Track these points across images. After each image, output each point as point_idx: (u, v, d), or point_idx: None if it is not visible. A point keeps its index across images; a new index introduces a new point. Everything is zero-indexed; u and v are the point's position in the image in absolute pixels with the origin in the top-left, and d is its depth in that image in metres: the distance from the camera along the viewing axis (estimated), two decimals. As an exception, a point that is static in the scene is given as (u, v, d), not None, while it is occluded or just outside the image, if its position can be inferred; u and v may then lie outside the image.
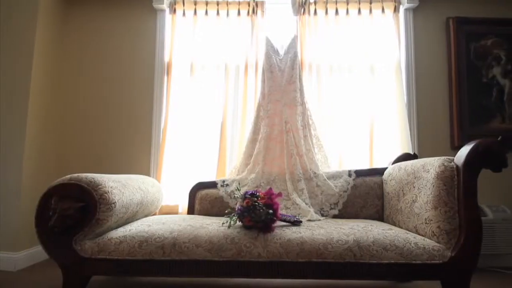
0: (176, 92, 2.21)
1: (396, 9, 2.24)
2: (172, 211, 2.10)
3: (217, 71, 2.23)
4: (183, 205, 2.08)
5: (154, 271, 1.19)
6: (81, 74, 2.30)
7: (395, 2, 2.25)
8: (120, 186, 1.30)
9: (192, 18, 2.25)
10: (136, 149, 2.23)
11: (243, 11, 2.25)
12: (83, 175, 1.22)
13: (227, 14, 2.25)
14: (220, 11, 2.25)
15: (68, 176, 1.21)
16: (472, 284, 1.17)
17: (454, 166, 1.22)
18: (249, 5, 2.24)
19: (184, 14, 2.26)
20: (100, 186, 1.19)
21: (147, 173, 2.19)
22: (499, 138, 1.18)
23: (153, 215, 1.86)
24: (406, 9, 2.30)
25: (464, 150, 1.21)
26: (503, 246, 1.99)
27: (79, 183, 1.18)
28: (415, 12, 2.32)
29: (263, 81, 2.02)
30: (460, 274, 1.15)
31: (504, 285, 1.72)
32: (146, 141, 2.23)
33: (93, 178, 1.20)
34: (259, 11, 2.24)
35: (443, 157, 1.28)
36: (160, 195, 1.79)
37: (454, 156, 1.27)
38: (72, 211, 1.14)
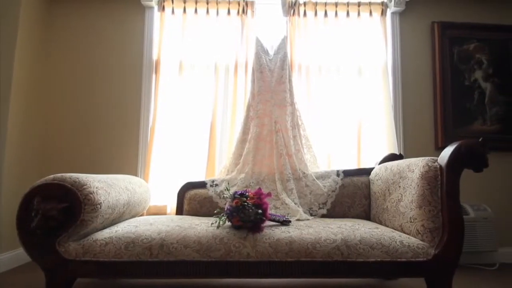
0: (164, 91, 2.18)
1: (383, 13, 2.29)
2: (160, 211, 2.08)
3: (207, 71, 2.22)
4: (172, 205, 2.05)
5: (141, 273, 1.17)
6: (66, 71, 2.24)
7: (382, 5, 2.30)
8: (106, 186, 1.27)
9: (181, 16, 2.23)
10: (123, 149, 2.19)
11: (233, 11, 2.24)
12: (67, 175, 1.18)
13: (217, 13, 2.24)
14: (210, 10, 2.24)
15: (51, 176, 1.18)
16: (454, 280, 1.20)
17: (438, 166, 1.26)
18: (239, 5, 2.23)
19: (173, 12, 2.23)
20: (85, 187, 1.16)
21: (135, 173, 2.15)
22: (480, 139, 1.22)
23: (141, 215, 1.83)
24: (393, 13, 2.35)
25: (447, 151, 1.24)
26: (484, 243, 2.07)
27: (62, 183, 1.15)
28: (402, 16, 2.37)
29: (253, 81, 2.02)
30: (443, 271, 1.18)
31: (484, 281, 1.78)
32: (134, 141, 2.19)
33: (77, 178, 1.17)
34: (249, 11, 2.24)
35: (427, 158, 1.31)
36: (147, 195, 1.76)
37: (438, 156, 1.31)
38: (55, 212, 1.11)
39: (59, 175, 1.18)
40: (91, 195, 1.15)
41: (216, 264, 1.17)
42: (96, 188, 1.20)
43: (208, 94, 2.19)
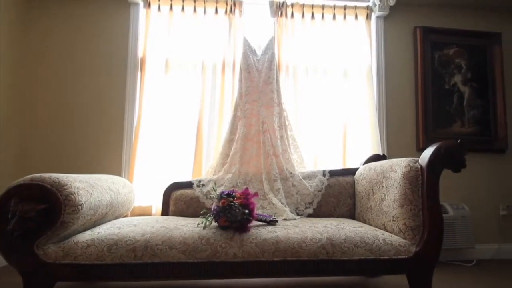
0: (150, 89, 2.14)
1: (368, 17, 2.34)
2: (145, 212, 2.03)
3: (194, 70, 2.19)
4: (157, 206, 2.02)
5: (125, 275, 1.14)
6: (48, 68, 2.15)
7: (367, 9, 2.35)
8: (88, 187, 1.23)
9: (167, 13, 2.20)
10: (106, 148, 2.13)
11: (221, 10, 2.23)
12: (47, 175, 1.14)
13: (205, 12, 2.22)
14: (197, 8, 2.22)
15: (29, 176, 1.13)
16: (434, 276, 1.25)
17: (419, 167, 1.30)
18: (226, 4, 2.22)
19: (159, 9, 2.19)
20: (65, 187, 1.12)
21: (118, 173, 2.10)
22: (458, 141, 1.27)
23: (125, 217, 1.78)
24: (377, 17, 2.41)
25: (428, 152, 1.28)
26: (462, 241, 2.15)
27: (41, 184, 1.10)
28: (386, 20, 2.44)
29: (240, 81, 2.02)
30: (423, 268, 1.22)
31: (463, 277, 1.86)
32: (117, 140, 2.14)
33: (57, 178, 1.13)
34: (237, 11, 2.23)
35: (409, 158, 1.35)
36: (132, 196, 1.72)
37: (420, 157, 1.35)
38: (33, 213, 1.06)
39: (37, 175, 1.13)
40: (72, 196, 1.11)
41: (202, 265, 1.16)
42: (77, 188, 1.16)
43: (195, 93, 2.17)
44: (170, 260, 1.14)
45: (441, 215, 1.24)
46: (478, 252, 2.29)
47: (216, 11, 2.22)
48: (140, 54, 2.20)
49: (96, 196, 1.26)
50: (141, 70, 2.18)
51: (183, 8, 2.21)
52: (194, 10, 2.22)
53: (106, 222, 1.44)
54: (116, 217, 1.59)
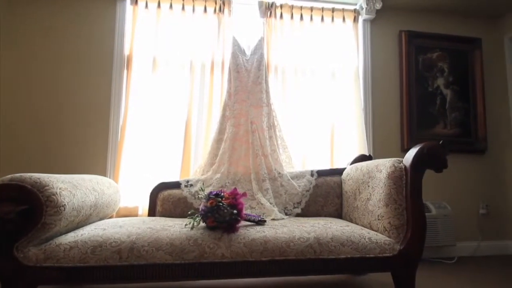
0: (136, 88, 2.10)
1: (355, 19, 2.39)
2: (132, 213, 1.99)
3: (182, 68, 2.17)
4: (144, 206, 1.98)
5: (109, 277, 1.11)
6: (31, 65, 2.07)
7: (355, 13, 2.39)
8: (71, 187, 1.19)
9: (155, 11, 2.16)
10: (91, 148, 2.07)
11: (210, 9, 2.22)
12: (27, 175, 1.10)
13: (193, 10, 2.20)
14: (185, 6, 2.19)
15: (9, 176, 1.09)
16: (418, 273, 1.28)
17: (403, 167, 1.33)
18: (215, 3, 2.21)
19: (146, 6, 2.15)
20: (47, 187, 1.08)
21: (103, 173, 2.05)
22: (440, 142, 1.31)
23: (110, 218, 1.74)
24: (364, 20, 2.46)
25: (411, 152, 1.32)
26: (444, 238, 2.22)
27: (22, 184, 1.06)
28: (372, 23, 2.49)
29: (229, 80, 2.02)
30: (407, 265, 1.26)
31: (445, 274, 1.92)
32: (103, 139, 2.08)
33: (38, 179, 1.09)
34: (226, 10, 2.22)
35: (393, 159, 1.39)
36: (117, 196, 1.68)
37: (404, 157, 1.38)
38: (13, 215, 1.02)
39: (17, 175, 1.09)
40: (53, 197, 1.08)
41: (190, 266, 1.15)
42: (60, 189, 1.12)
43: (183, 92, 2.15)
44: (157, 261, 1.13)
45: (424, 214, 1.28)
46: (459, 249, 2.37)
47: (205, 10, 2.21)
48: (126, 52, 2.16)
49: (79, 197, 1.22)
50: (128, 68, 2.13)
51: (171, 6, 2.18)
52: (183, 8, 2.19)
53: (90, 223, 1.40)
54: (101, 219, 1.56)
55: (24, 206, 1.04)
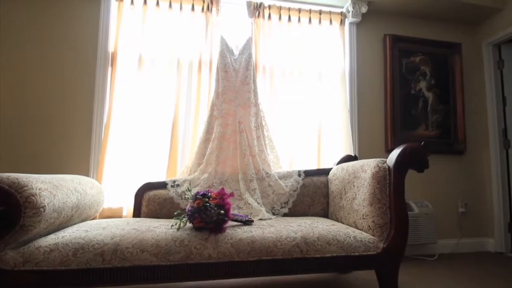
0: (121, 85, 2.05)
1: (342, 22, 2.43)
2: (116, 214, 1.95)
3: (169, 67, 2.14)
4: (129, 207, 1.94)
5: (92, 281, 1.08)
6: (10, 61, 1.98)
7: (341, 15, 2.43)
8: (51, 188, 1.15)
9: (141, 7, 2.12)
10: (73, 146, 2.00)
11: (198, 7, 2.20)
12: (5, 175, 1.05)
13: (181, 8, 2.17)
14: (173, 4, 2.16)
15: (-17, 177, 1.03)
16: (401, 270, 1.32)
17: (387, 167, 1.37)
18: (203, 1, 2.20)
19: (132, 2, 2.11)
20: (25, 188, 1.04)
21: (86, 173, 1.99)
22: (422, 143, 1.35)
23: (93, 219, 1.70)
24: (350, 23, 2.51)
25: (394, 153, 1.36)
26: (426, 236, 2.30)
27: (-2, 185, 1.01)
28: (358, 26, 2.54)
29: (217, 80, 2.00)
30: (390, 263, 1.29)
31: (426, 270, 1.98)
32: (85, 138, 2.02)
33: (16, 179, 1.05)
34: (214, 9, 2.21)
35: (377, 159, 1.42)
36: (100, 197, 1.64)
37: (387, 158, 1.42)
38: (-12, 217, 0.97)
39: (-7, 175, 1.04)
40: (32, 198, 1.04)
41: (176, 268, 1.13)
42: (39, 189, 1.08)
43: (170, 91, 2.12)
44: (142, 263, 1.10)
45: (407, 212, 1.32)
46: (439, 246, 2.46)
47: (193, 8, 2.19)
48: (111, 49, 2.11)
49: (60, 198, 1.18)
50: (112, 65, 2.08)
51: (158, 3, 2.14)
52: (170, 6, 2.16)
53: (72, 225, 1.36)
54: (83, 220, 1.51)
55: (1, 208, 1.00)
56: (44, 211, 1.07)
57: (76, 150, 2.00)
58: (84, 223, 1.41)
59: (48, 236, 1.15)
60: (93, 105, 2.05)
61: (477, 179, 2.65)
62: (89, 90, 2.06)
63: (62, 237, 1.13)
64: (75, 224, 1.39)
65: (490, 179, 2.59)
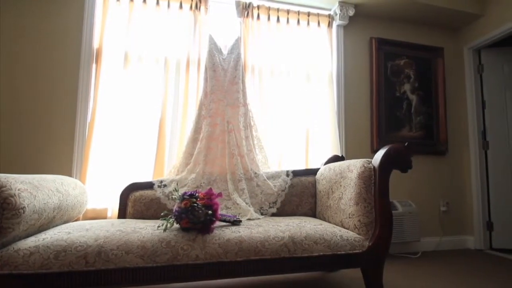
0: (106, 83, 1.99)
1: (330, 25, 2.46)
2: (100, 215, 1.90)
3: (156, 65, 2.10)
4: (114, 208, 1.89)
5: (75, 284, 1.05)
6: (-18, 53, 1.90)
7: (329, 18, 2.47)
8: (32, 188, 1.11)
9: (127, 4, 2.08)
10: (54, 145, 1.94)
11: (186, 5, 2.17)
12: (-19, 175, 1.00)
13: (168, 6, 2.14)
14: (160, 2, 2.13)
15: (-43, 177, 0.99)
16: (385, 268, 1.35)
17: (372, 167, 1.40)
18: (191, 0, 2.18)
19: (119, -2, 2.06)
20: (4, 188, 0.99)
21: (69, 173, 1.93)
22: (406, 144, 1.39)
23: (76, 220, 1.65)
24: (338, 26, 2.55)
25: (379, 154, 1.39)
26: (410, 235, 2.36)
27: (-26, 185, 0.97)
28: (345, 29, 2.58)
29: (206, 79, 1.99)
30: (375, 261, 1.31)
31: (410, 267, 2.04)
32: (68, 136, 1.96)
33: (-6, 179, 1.00)
34: (202, 7, 2.19)
35: (363, 160, 1.45)
36: (84, 197, 1.59)
37: (373, 158, 1.45)
38: (-38, 219, 0.93)
39: (-32, 175, 0.99)
40: (11, 199, 0.99)
41: (162, 269, 1.11)
42: (19, 190, 1.04)
43: (157, 89, 2.08)
44: (127, 265, 1.08)
45: (391, 211, 1.35)
46: (422, 244, 2.53)
47: (181, 6, 2.16)
48: (95, 45, 2.05)
49: (41, 199, 1.14)
50: (97, 62, 2.02)
51: (145, 0, 2.11)
52: (157, 3, 2.13)
53: (53, 227, 1.31)
54: (66, 222, 1.46)
55: (-24, 209, 0.95)
56: (23, 213, 1.03)
57: (58, 149, 1.94)
58: (67, 224, 1.37)
59: (28, 239, 1.10)
60: (76, 103, 1.99)
61: (458, 179, 2.75)
62: (73, 87, 1.99)
63: (43, 239, 1.09)
64: (57, 226, 1.34)
65: (470, 179, 2.69)
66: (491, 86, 2.71)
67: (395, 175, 2.57)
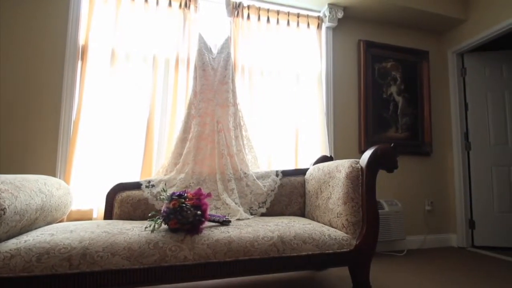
0: (92, 80, 1.94)
1: (319, 26, 2.49)
2: (85, 216, 1.85)
3: (144, 63, 2.07)
4: (99, 209, 1.85)
5: (58, 287, 1.02)
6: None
7: (318, 19, 2.49)
8: (13, 189, 1.07)
9: (115, 0, 2.03)
10: (38, 145, 1.87)
11: (175, 3, 2.15)
12: (-43, 175, 0.96)
13: (157, 3, 2.11)
14: (149, -1, 2.10)
15: None
16: (372, 266, 1.38)
17: (359, 167, 1.42)
18: (182, -2, 2.16)
19: (106, -5, 2.02)
20: (-17, 189, 0.95)
21: (52, 173, 1.87)
22: (392, 145, 1.42)
23: (60, 222, 1.60)
24: (327, 27, 2.57)
25: (367, 154, 1.41)
26: (396, 233, 2.41)
27: (-51, 186, 0.92)
28: (334, 31, 2.62)
29: (195, 78, 1.97)
30: (362, 259, 1.34)
31: (396, 265, 2.08)
32: (52, 135, 1.90)
33: (-28, 179, 0.96)
34: (192, 6, 2.17)
35: (351, 160, 1.47)
36: (68, 198, 1.55)
37: (360, 158, 1.47)
38: None
39: None
40: (-9, 200, 0.96)
41: (150, 271, 1.09)
42: (-1, 191, 1.00)
43: (145, 88, 2.05)
44: (112, 267, 1.06)
45: (378, 210, 1.38)
46: (408, 243, 2.59)
47: (170, 4, 2.13)
48: (81, 42, 2.00)
49: (23, 200, 1.10)
50: (82, 58, 1.97)
51: (133, -3, 2.07)
52: (145, 0, 2.09)
53: (36, 228, 1.27)
54: (49, 223, 1.42)
55: (-48, 211, 0.91)
56: (4, 214, 0.99)
57: (41, 148, 1.88)
58: (50, 226, 1.32)
59: (9, 241, 1.06)
60: (61, 100, 1.93)
61: (442, 178, 2.83)
62: (57, 84, 1.93)
63: (25, 241, 1.06)
64: (39, 227, 1.30)
65: (453, 178, 2.78)
66: (473, 89, 2.80)
67: (382, 175, 2.63)
